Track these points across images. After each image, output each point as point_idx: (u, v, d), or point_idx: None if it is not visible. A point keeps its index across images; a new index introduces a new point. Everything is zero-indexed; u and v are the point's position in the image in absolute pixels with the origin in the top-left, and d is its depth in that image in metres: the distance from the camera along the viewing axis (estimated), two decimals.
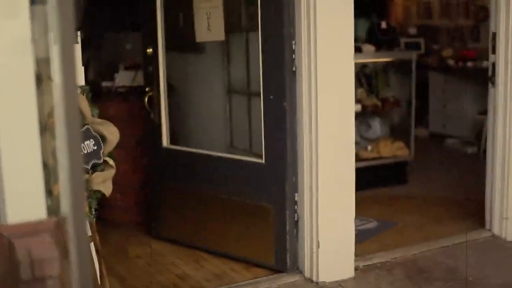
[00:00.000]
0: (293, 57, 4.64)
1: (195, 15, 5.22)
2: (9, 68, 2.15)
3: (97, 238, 3.83)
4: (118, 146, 6.04)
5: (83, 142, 3.49)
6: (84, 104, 3.55)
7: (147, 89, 5.54)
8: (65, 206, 1.66)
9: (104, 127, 3.64)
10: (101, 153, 3.58)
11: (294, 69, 4.66)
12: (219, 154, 5.20)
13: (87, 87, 3.66)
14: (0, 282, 2.18)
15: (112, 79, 6.39)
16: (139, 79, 6.09)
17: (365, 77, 7.44)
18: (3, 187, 2.17)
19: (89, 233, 3.79)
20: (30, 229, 2.11)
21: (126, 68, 6.34)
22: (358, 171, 6.58)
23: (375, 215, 6.20)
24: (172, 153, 5.49)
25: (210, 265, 5.13)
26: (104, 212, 6.15)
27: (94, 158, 3.55)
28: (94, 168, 3.58)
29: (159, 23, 5.35)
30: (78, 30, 3.82)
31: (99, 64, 8.22)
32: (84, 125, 3.53)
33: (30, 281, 2.05)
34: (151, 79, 5.50)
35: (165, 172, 5.55)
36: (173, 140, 5.56)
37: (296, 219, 4.83)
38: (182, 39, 5.64)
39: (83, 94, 3.61)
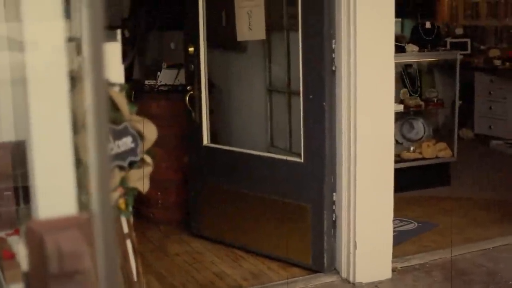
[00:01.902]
0: (333, 56, 4.64)
1: (237, 14, 5.24)
2: (43, 67, 2.18)
3: (134, 235, 3.86)
4: (159, 144, 6.09)
5: (120, 140, 3.52)
6: (122, 101, 3.58)
7: (188, 87, 5.57)
8: (94, 203, 1.68)
9: (142, 125, 3.66)
10: (138, 151, 3.60)
11: (334, 68, 4.65)
12: (258, 153, 5.21)
13: (126, 85, 3.69)
14: (30, 276, 2.21)
15: (155, 77, 6.44)
16: (181, 78, 6.12)
17: (408, 77, 7.38)
18: (35, 182, 2.21)
19: (126, 230, 3.82)
20: (60, 224, 2.14)
21: (169, 67, 6.37)
22: (400, 172, 6.57)
23: (415, 216, 6.15)
24: (212, 151, 5.51)
25: (248, 264, 5.15)
26: (145, 210, 6.22)
27: (131, 155, 3.57)
28: (131, 165, 3.60)
29: (201, 22, 5.37)
30: (119, 28, 3.86)
31: (144, 63, 8.31)
32: (122, 122, 3.55)
33: (59, 275, 2.07)
34: (193, 77, 5.53)
35: (205, 170, 5.58)
36: (213, 138, 5.58)
37: (334, 219, 4.81)
38: (224, 38, 5.67)
39: (122, 92, 3.63)
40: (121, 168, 3.49)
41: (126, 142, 3.58)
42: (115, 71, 3.88)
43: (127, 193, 3.60)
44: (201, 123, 5.51)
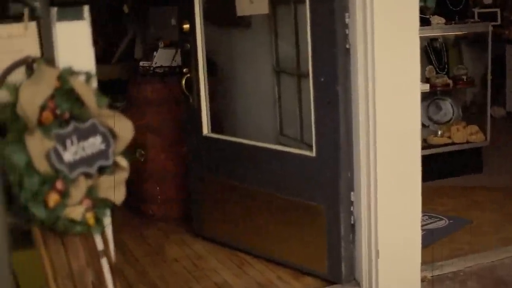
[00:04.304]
0: (346, 32, 3.93)
1: None
2: None
3: (111, 252, 3.22)
4: (157, 133, 5.47)
5: (87, 140, 2.86)
6: (88, 93, 2.92)
7: (184, 70, 4.90)
8: None
9: (114, 121, 2.99)
10: (110, 153, 2.94)
11: (347, 46, 3.95)
12: (264, 145, 4.53)
13: (93, 73, 3.02)
14: None
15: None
16: (180, 58, 5.47)
17: (434, 53, 6.65)
18: None
19: (101, 247, 3.18)
20: None
21: (166, 46, 5.70)
22: (427, 159, 5.90)
23: (446, 210, 5.46)
24: (213, 142, 4.85)
25: (254, 271, 4.50)
26: (143, 206, 5.62)
27: (101, 159, 2.91)
28: (102, 171, 2.94)
29: None
30: (85, 4, 3.19)
31: (146, 41, 7.66)
32: (88, 119, 2.89)
33: None
34: (189, 58, 4.87)
35: (205, 163, 4.92)
36: (214, 127, 4.91)
37: (352, 221, 4.14)
38: (225, 12, 4.98)
39: (89, 82, 2.98)
40: (87, 175, 2.85)
41: (95, 143, 2.92)
42: (83, 56, 3.23)
43: (97, 205, 2.95)
44: (200, 110, 4.85)
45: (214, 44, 4.98)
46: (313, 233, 4.26)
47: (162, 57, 5.59)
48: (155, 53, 5.66)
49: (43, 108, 2.70)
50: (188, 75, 4.85)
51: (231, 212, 4.80)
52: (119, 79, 6.95)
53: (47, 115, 2.72)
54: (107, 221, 3.14)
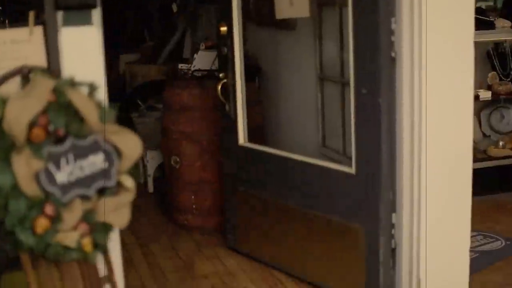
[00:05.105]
0: (392, 39, 3.54)
1: None
2: None
3: (115, 278, 2.94)
4: (193, 141, 5.18)
5: (86, 159, 2.57)
6: (89, 106, 2.62)
7: (220, 75, 4.59)
8: None
9: (120, 137, 2.69)
10: (112, 172, 2.64)
11: (393, 55, 3.56)
12: (301, 158, 4.19)
13: (99, 83, 2.73)
14: None
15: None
16: None
17: (498, 58, 6.19)
18: None
19: (105, 273, 2.90)
20: None
21: (208, 48, 5.40)
22: (486, 171, 5.50)
23: (503, 230, 5.01)
24: (249, 152, 4.53)
25: None
26: (177, 215, 5.35)
27: (101, 179, 2.61)
28: (103, 192, 2.64)
29: None
30: (93, 7, 2.90)
31: (196, 40, 7.39)
32: (88, 135, 2.59)
33: None
34: (226, 63, 4.55)
35: (241, 175, 4.61)
36: (251, 136, 4.59)
37: (393, 246, 3.77)
38: (266, 14, 4.65)
39: (92, 94, 2.68)
40: (84, 197, 2.56)
41: (95, 162, 2.62)
42: (91, 64, 2.94)
43: (96, 229, 2.65)
44: (236, 118, 4.54)
45: (254, 47, 4.66)
46: (351, 256, 3.91)
47: (202, 60, 5.29)
48: (195, 55, 5.36)
49: (33, 124, 2.43)
50: (225, 80, 4.54)
51: (266, 227, 4.48)
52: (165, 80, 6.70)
53: (38, 131, 2.44)
54: (111, 245, 2.86)
